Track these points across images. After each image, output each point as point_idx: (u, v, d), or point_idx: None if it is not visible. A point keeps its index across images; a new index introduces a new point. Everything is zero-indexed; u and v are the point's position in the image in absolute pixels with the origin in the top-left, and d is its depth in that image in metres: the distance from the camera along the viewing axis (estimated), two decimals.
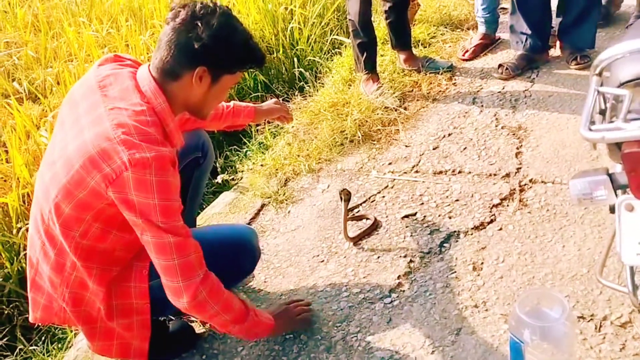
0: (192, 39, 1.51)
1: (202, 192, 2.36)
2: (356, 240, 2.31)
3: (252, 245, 1.93)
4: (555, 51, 3.41)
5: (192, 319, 2.05)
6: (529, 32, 3.20)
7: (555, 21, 3.33)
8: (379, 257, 2.21)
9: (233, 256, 1.80)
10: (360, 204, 2.52)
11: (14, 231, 2.48)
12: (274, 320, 1.81)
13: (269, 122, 3.17)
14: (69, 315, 1.69)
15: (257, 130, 3.24)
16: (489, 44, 3.66)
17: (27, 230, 2.45)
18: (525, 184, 2.44)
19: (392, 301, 2.01)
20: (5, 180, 2.77)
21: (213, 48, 1.53)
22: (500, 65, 3.31)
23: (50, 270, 1.66)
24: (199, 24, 1.51)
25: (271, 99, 2.40)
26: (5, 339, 2.21)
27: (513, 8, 3.24)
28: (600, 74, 1.43)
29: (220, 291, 1.62)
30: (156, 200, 1.47)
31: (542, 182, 2.43)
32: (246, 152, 3.11)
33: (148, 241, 1.52)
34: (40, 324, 2.23)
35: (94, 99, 1.57)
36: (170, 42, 1.54)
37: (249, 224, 2.53)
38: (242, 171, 2.94)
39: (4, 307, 2.32)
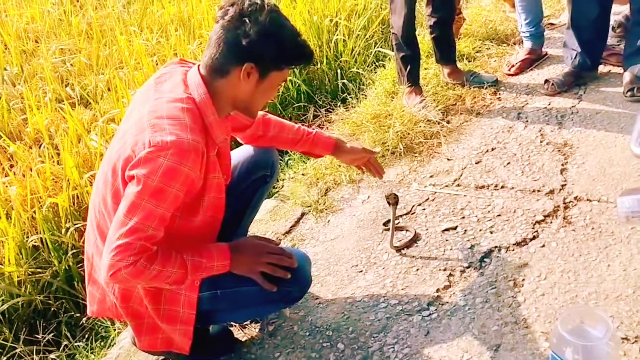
0: (240, 35, 1.54)
1: (260, 207, 2.29)
2: (399, 249, 2.31)
3: (304, 273, 1.83)
4: (604, 68, 3.35)
5: (232, 323, 2.08)
6: (579, 49, 3.16)
7: (611, 40, 3.26)
8: (418, 270, 2.21)
9: (283, 282, 1.74)
10: (401, 216, 2.52)
11: (63, 231, 2.57)
12: (232, 259, 1.67)
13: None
14: (119, 310, 1.75)
15: None
16: (535, 59, 3.60)
17: (75, 230, 2.55)
18: (570, 202, 2.40)
19: (430, 314, 2.00)
20: (56, 182, 2.87)
21: (261, 44, 1.54)
22: (546, 81, 3.26)
23: None
24: (247, 21, 1.53)
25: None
26: (51, 334, 2.28)
27: (569, 23, 3.20)
28: None
29: (147, 272, 1.51)
30: (155, 181, 1.47)
31: (588, 200, 2.39)
32: (287, 160, 3.14)
33: (126, 194, 1.50)
34: (84, 322, 2.30)
35: (147, 95, 1.65)
36: (219, 39, 1.57)
37: (288, 232, 2.56)
38: (283, 179, 2.98)
39: (51, 303, 2.40)
